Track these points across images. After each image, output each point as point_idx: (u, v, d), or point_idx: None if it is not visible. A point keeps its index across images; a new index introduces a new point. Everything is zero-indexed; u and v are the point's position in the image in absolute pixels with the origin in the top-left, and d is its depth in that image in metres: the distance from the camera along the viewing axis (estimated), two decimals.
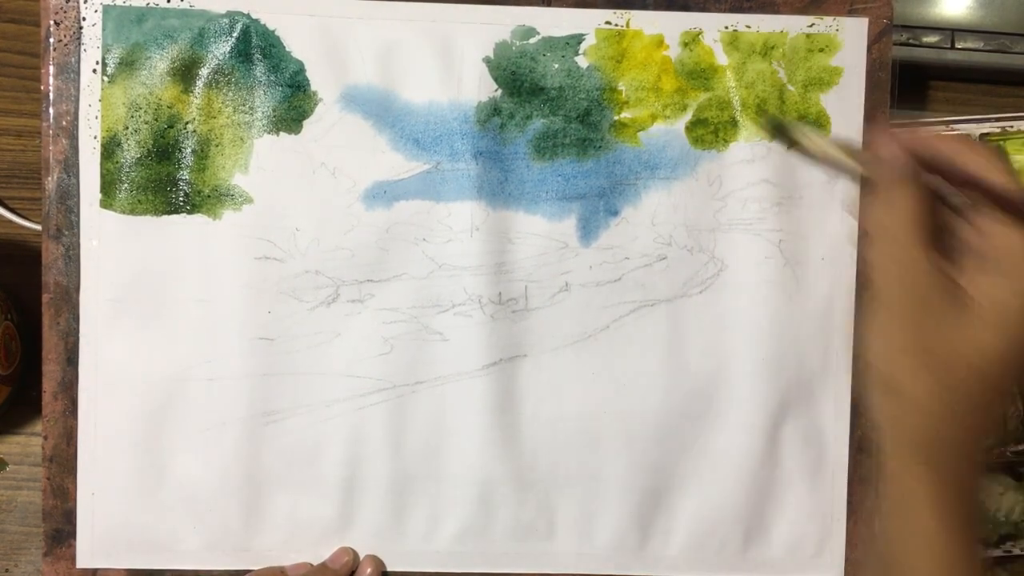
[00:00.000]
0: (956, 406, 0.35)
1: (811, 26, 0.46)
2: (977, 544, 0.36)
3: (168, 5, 0.44)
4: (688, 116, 0.46)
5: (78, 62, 0.44)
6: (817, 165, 0.39)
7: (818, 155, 0.39)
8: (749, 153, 0.46)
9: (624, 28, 0.45)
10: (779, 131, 0.41)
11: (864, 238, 0.37)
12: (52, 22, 0.44)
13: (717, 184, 0.46)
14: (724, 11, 0.45)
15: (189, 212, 0.45)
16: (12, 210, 0.51)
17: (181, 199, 0.45)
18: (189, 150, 0.45)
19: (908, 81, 0.52)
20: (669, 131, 0.46)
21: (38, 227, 0.50)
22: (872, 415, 0.38)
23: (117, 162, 0.44)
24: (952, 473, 0.36)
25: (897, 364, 0.35)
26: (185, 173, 0.45)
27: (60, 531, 0.45)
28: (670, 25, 0.45)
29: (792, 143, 0.40)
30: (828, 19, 0.46)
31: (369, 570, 0.46)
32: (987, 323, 0.34)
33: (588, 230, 0.46)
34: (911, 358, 0.35)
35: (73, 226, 0.45)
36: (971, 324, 0.34)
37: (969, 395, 0.34)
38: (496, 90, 0.45)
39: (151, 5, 0.44)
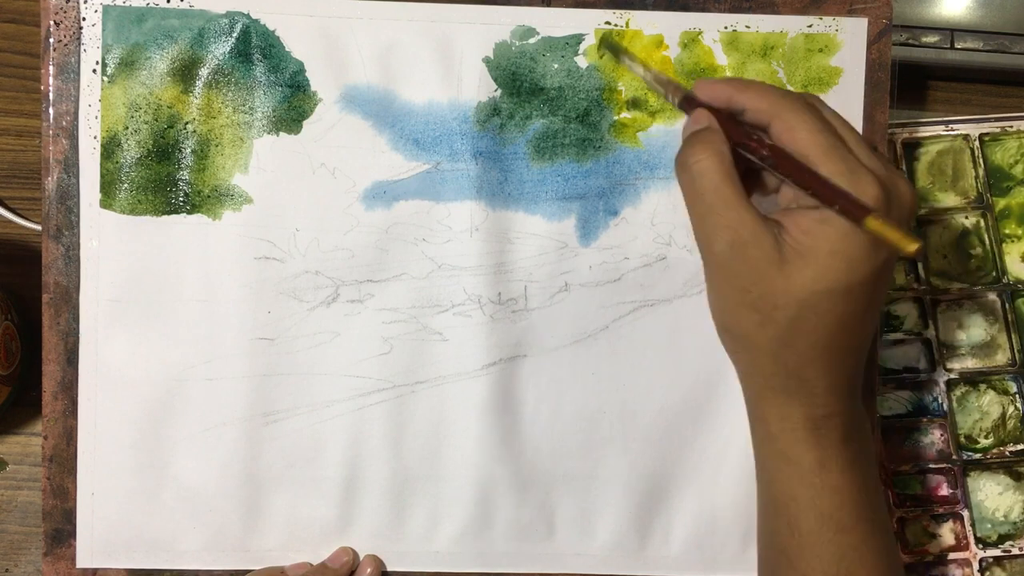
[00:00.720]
0: (803, 345, 0.35)
1: (810, 26, 0.46)
2: (861, 468, 0.37)
3: (168, 5, 0.44)
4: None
5: (78, 62, 0.44)
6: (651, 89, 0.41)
7: (648, 84, 0.41)
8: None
9: (624, 28, 0.45)
10: (611, 52, 0.43)
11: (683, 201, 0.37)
12: (52, 22, 0.44)
13: None
14: (724, 11, 0.45)
15: (189, 212, 0.45)
16: (12, 210, 0.51)
17: (181, 199, 0.45)
18: (189, 150, 0.45)
19: (908, 81, 0.52)
20: (669, 131, 0.46)
21: (38, 227, 0.50)
22: (733, 363, 0.39)
23: (117, 162, 0.44)
24: (819, 407, 0.36)
25: (740, 318, 0.36)
26: (185, 173, 0.45)
27: (60, 531, 0.45)
28: (670, 25, 0.45)
29: (620, 62, 0.42)
30: (827, 19, 0.46)
31: (369, 570, 0.46)
32: (807, 262, 0.34)
33: (588, 230, 0.46)
34: (752, 311, 0.35)
35: (73, 226, 0.45)
36: (792, 263, 0.34)
37: (811, 333, 0.35)
38: (496, 90, 0.45)
39: (151, 5, 0.44)
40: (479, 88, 0.45)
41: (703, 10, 0.45)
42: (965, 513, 0.51)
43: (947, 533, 0.51)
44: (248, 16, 0.44)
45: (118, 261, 0.45)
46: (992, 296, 0.53)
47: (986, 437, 0.52)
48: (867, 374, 0.46)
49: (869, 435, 0.39)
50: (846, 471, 0.36)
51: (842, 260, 0.34)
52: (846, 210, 0.33)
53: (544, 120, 0.45)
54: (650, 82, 0.40)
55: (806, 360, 0.36)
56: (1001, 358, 0.52)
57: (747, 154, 0.36)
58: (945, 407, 0.52)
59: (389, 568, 0.46)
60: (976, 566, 0.51)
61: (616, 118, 0.46)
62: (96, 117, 0.44)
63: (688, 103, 0.38)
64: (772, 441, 0.37)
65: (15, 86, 0.51)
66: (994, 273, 0.53)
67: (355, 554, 0.46)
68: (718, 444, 0.46)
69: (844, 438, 0.37)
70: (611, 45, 0.44)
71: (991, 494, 0.52)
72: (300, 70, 0.45)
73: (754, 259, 0.34)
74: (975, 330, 0.52)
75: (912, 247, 0.31)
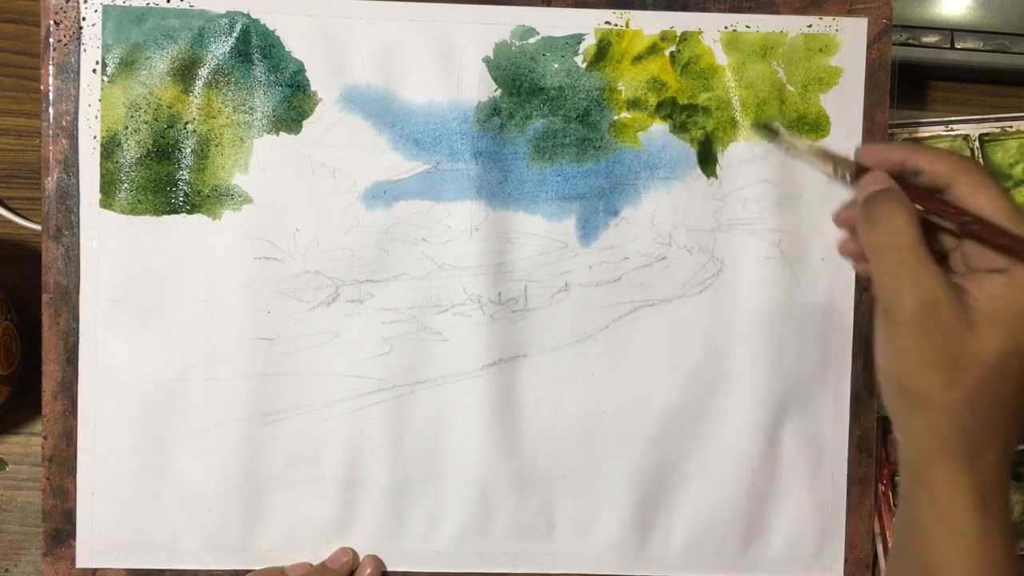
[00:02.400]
0: (985, 409, 0.35)
1: (810, 26, 0.46)
2: (1014, 541, 0.37)
3: (168, 5, 0.44)
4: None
5: (78, 62, 0.44)
6: (811, 165, 0.41)
7: (806, 160, 0.41)
8: (748, 153, 0.46)
9: (624, 28, 0.45)
10: (768, 134, 0.43)
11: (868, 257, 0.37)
12: (52, 22, 0.44)
13: (717, 184, 0.46)
14: (724, 11, 0.45)
15: (189, 212, 0.45)
16: (12, 210, 0.51)
17: (181, 199, 0.45)
18: (189, 150, 0.45)
19: (908, 81, 0.52)
20: (669, 132, 0.46)
21: (38, 227, 0.50)
22: (899, 423, 0.38)
23: (117, 162, 0.44)
24: (987, 475, 0.36)
25: (922, 377, 0.36)
26: (185, 173, 0.45)
27: (60, 531, 0.45)
28: (670, 25, 0.45)
29: (780, 144, 0.42)
30: (827, 19, 0.46)
31: (369, 570, 0.46)
32: (998, 324, 0.34)
33: (588, 230, 0.46)
34: (935, 371, 0.35)
35: (73, 226, 0.45)
36: (983, 325, 0.34)
37: (994, 396, 0.35)
38: (496, 90, 0.45)
39: (151, 5, 0.44)
40: (479, 88, 0.45)
41: (703, 10, 0.45)
42: None
43: None
44: (248, 16, 0.44)
45: (118, 261, 0.45)
46: None
47: None
48: (867, 379, 0.46)
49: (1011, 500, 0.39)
50: (1007, 542, 0.36)
51: None
52: None
53: (544, 120, 0.45)
54: (812, 158, 0.40)
55: (987, 425, 0.35)
56: None
57: (940, 220, 0.36)
58: None
59: (389, 568, 0.46)
60: None
61: (616, 118, 0.46)
62: (96, 117, 0.44)
63: (861, 171, 0.38)
64: (935, 505, 0.37)
65: (15, 86, 0.51)
66: None
67: (355, 554, 0.46)
68: (718, 444, 0.46)
69: (1006, 508, 0.37)
70: (765, 127, 0.45)
71: None
72: (300, 70, 0.45)
73: (945, 319, 0.35)
74: None
75: None
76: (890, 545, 0.40)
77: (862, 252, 0.38)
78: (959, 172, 0.36)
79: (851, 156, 0.39)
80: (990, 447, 0.36)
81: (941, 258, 0.38)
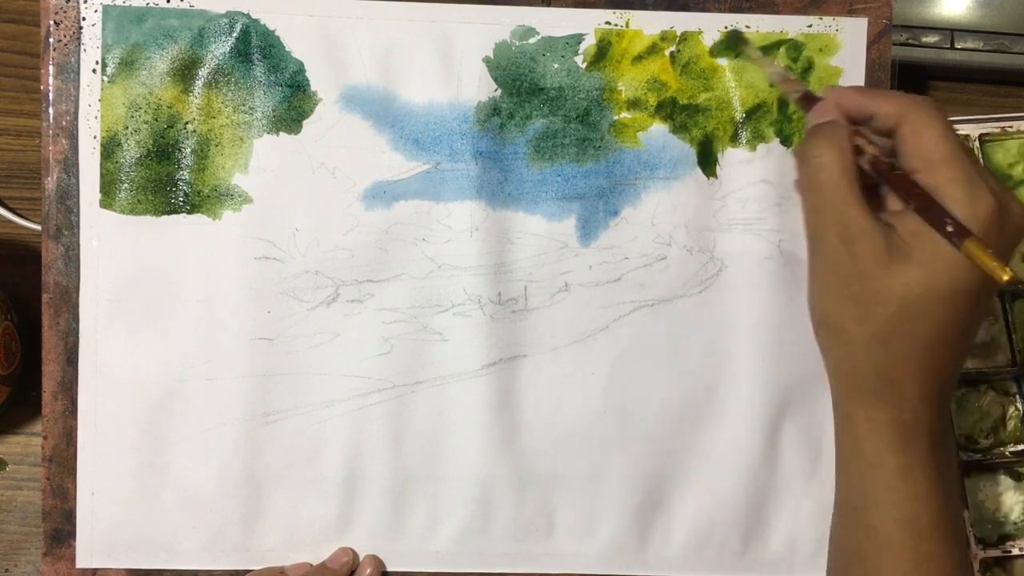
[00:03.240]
0: (899, 345, 0.35)
1: (810, 26, 0.46)
2: (943, 477, 0.37)
3: (168, 5, 0.44)
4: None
5: (78, 62, 0.44)
6: (772, 82, 0.42)
7: (765, 75, 0.42)
8: (748, 153, 0.46)
9: (624, 28, 0.45)
10: (735, 43, 0.44)
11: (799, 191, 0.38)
12: (52, 22, 0.44)
13: (717, 184, 0.46)
14: (724, 11, 0.45)
15: (189, 212, 0.45)
16: (12, 210, 0.51)
17: (181, 199, 0.45)
18: (189, 150, 0.45)
19: (908, 81, 0.52)
20: (669, 132, 0.46)
21: (38, 227, 0.50)
22: (824, 360, 0.39)
23: (117, 162, 0.44)
24: (907, 412, 0.36)
25: (840, 311, 0.36)
26: (185, 173, 0.45)
27: (60, 531, 0.45)
28: (670, 25, 0.45)
29: (741, 55, 0.43)
30: (827, 19, 0.46)
31: (369, 570, 0.46)
32: (912, 262, 0.34)
33: (588, 230, 0.46)
34: (852, 305, 0.36)
35: (73, 226, 0.45)
36: (900, 263, 0.35)
37: (908, 334, 0.35)
38: (496, 90, 0.45)
39: (151, 5, 0.44)
40: (479, 88, 0.45)
41: (703, 10, 0.45)
42: (965, 513, 0.51)
43: None
44: (248, 16, 0.44)
45: (118, 261, 0.45)
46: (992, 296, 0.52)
47: (986, 438, 0.52)
48: None
49: (954, 447, 0.39)
50: (930, 479, 0.36)
51: (947, 265, 0.34)
52: (945, 228, 0.33)
53: (544, 120, 0.45)
54: (773, 77, 0.42)
55: (900, 362, 0.35)
56: (1001, 358, 0.52)
57: (862, 160, 0.37)
58: None
59: (389, 568, 0.46)
60: (976, 567, 0.51)
61: (616, 118, 0.46)
62: (96, 117, 0.44)
63: (809, 100, 0.39)
64: (857, 443, 0.37)
65: (15, 86, 0.51)
66: None
67: (355, 554, 0.46)
68: (718, 444, 0.46)
69: (930, 446, 0.36)
70: (735, 37, 0.45)
71: (991, 495, 0.52)
72: (300, 70, 0.45)
73: (862, 254, 0.35)
74: None
75: (1005, 276, 0.32)
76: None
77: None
78: (909, 111, 0.36)
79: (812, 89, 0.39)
80: (909, 384, 0.36)
81: (882, 195, 0.38)
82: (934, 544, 0.36)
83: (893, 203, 0.38)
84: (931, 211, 0.34)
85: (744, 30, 0.45)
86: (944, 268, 0.34)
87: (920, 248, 0.34)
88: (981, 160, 0.53)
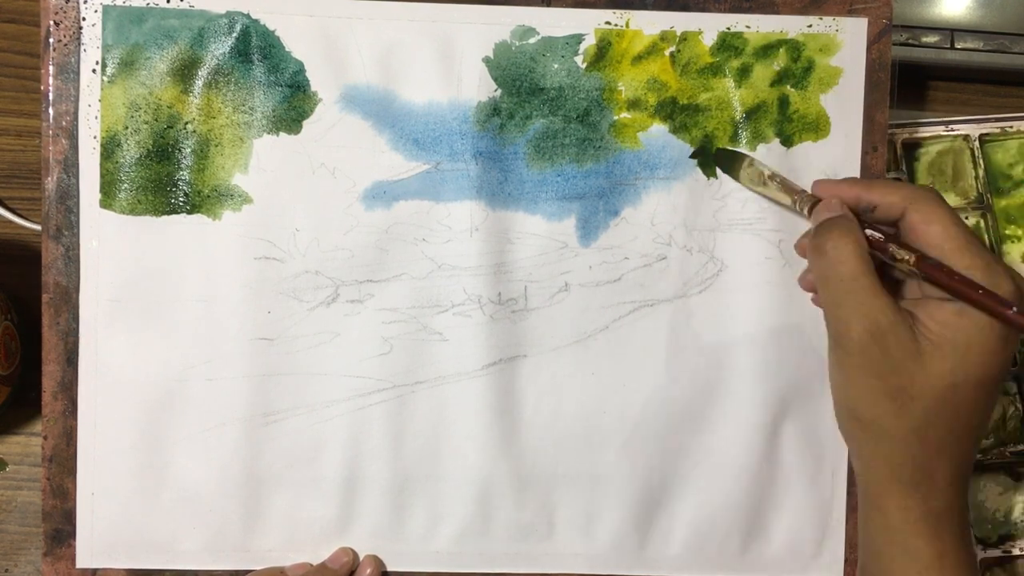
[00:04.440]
0: (934, 437, 0.35)
1: (810, 26, 0.46)
2: (969, 559, 0.37)
3: (168, 5, 0.44)
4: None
5: (78, 62, 0.44)
6: (768, 197, 0.42)
7: (760, 191, 0.42)
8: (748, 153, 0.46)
9: (624, 28, 0.45)
10: (730, 160, 0.43)
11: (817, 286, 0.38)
12: (52, 22, 0.44)
13: (717, 184, 0.46)
14: (724, 11, 0.45)
15: (189, 212, 0.45)
16: (12, 210, 0.51)
17: (181, 199, 0.45)
18: (189, 150, 0.45)
19: (908, 81, 0.52)
20: (669, 132, 0.46)
21: (38, 227, 0.50)
22: (852, 449, 0.39)
23: (117, 162, 0.44)
24: (939, 500, 0.36)
25: (874, 406, 0.36)
26: (185, 173, 0.45)
27: (60, 531, 0.45)
28: (670, 25, 0.45)
29: (735, 174, 0.43)
30: (827, 19, 0.46)
31: (369, 570, 0.46)
32: (946, 353, 0.34)
33: (588, 230, 0.46)
34: (887, 400, 0.35)
35: (73, 226, 0.45)
36: (931, 354, 0.35)
37: (943, 424, 0.35)
38: (496, 90, 0.45)
39: (151, 5, 0.44)
40: (479, 88, 0.45)
41: (703, 10, 0.45)
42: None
43: None
44: (248, 16, 0.44)
45: (118, 261, 0.45)
46: None
47: (986, 438, 0.52)
48: None
49: (970, 526, 0.39)
50: (961, 564, 0.36)
51: (979, 353, 0.34)
52: (989, 307, 0.34)
53: (544, 120, 0.45)
54: (771, 190, 0.42)
55: (936, 452, 0.36)
56: None
57: (885, 258, 0.37)
58: None
59: (389, 568, 0.46)
60: (976, 567, 0.51)
61: (616, 118, 0.46)
62: (96, 117, 0.44)
63: (814, 206, 0.39)
64: (891, 532, 0.37)
65: (15, 86, 0.52)
66: None
67: (355, 554, 0.46)
68: (718, 444, 0.46)
69: (960, 532, 0.37)
70: (721, 156, 0.45)
71: (991, 495, 0.52)
72: (300, 70, 0.45)
73: (893, 348, 0.35)
74: None
75: None
76: (858, 564, 0.41)
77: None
78: (912, 202, 0.36)
79: (809, 190, 0.39)
80: (941, 473, 0.36)
81: (896, 284, 0.39)
82: None
83: (910, 291, 0.38)
84: (987, 301, 0.34)
85: (749, 154, 0.45)
86: (976, 357, 0.34)
87: (951, 339, 0.34)
88: (981, 160, 0.53)
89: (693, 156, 0.45)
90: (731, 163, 0.45)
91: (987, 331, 0.34)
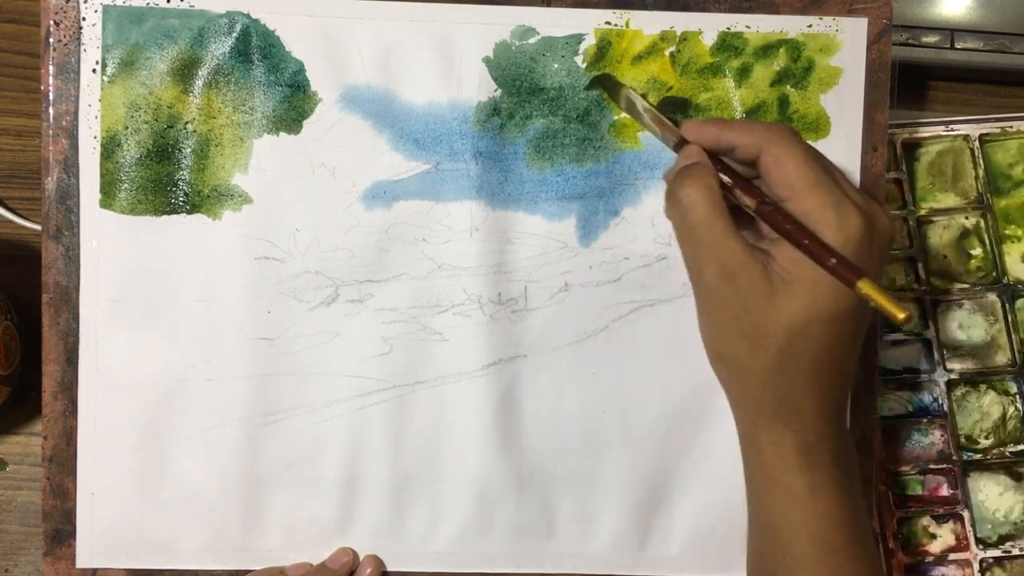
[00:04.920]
0: (794, 372, 0.36)
1: (810, 26, 0.46)
2: (849, 491, 0.38)
3: (168, 5, 0.44)
4: (688, 117, 0.46)
5: (78, 62, 0.44)
6: (646, 127, 0.43)
7: (639, 121, 0.44)
8: None
9: (624, 28, 0.45)
10: (605, 87, 0.45)
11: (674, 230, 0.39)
12: (52, 22, 0.44)
13: None
14: (724, 11, 0.45)
15: (189, 212, 0.45)
16: (12, 210, 0.51)
17: (181, 199, 0.45)
18: (189, 150, 0.45)
19: (908, 81, 0.52)
20: None
21: (38, 227, 0.50)
22: (724, 390, 0.40)
23: (117, 162, 0.44)
24: (810, 433, 0.37)
25: (732, 346, 0.37)
26: (185, 173, 0.45)
27: (60, 531, 0.45)
28: (670, 25, 0.45)
29: (614, 99, 0.45)
30: (827, 19, 0.46)
31: (369, 570, 0.46)
32: (796, 291, 0.35)
33: (588, 230, 0.46)
34: (743, 339, 0.37)
35: (73, 226, 0.45)
36: (782, 292, 0.35)
37: (800, 359, 0.36)
38: (496, 90, 0.45)
39: (151, 5, 0.44)
40: (479, 88, 0.45)
41: (703, 10, 0.45)
42: (965, 514, 0.51)
43: (947, 534, 0.51)
44: (248, 16, 0.44)
45: (118, 261, 0.45)
46: (992, 296, 0.53)
47: (986, 438, 0.52)
48: (867, 379, 0.46)
49: (855, 457, 0.40)
50: (836, 494, 0.37)
51: (829, 289, 0.35)
52: (838, 272, 0.34)
53: (544, 120, 0.45)
54: (647, 122, 0.42)
55: (796, 386, 0.36)
56: (1001, 358, 0.52)
57: (737, 201, 0.37)
58: (945, 407, 0.52)
59: (389, 568, 0.46)
60: (976, 567, 0.51)
61: (616, 118, 0.46)
62: (96, 117, 0.44)
63: (680, 144, 0.40)
64: (764, 467, 0.38)
65: (15, 86, 0.52)
66: (994, 273, 0.53)
67: (355, 554, 0.46)
68: (719, 444, 0.46)
69: (834, 462, 0.37)
70: (606, 81, 0.45)
71: (991, 495, 0.52)
72: (300, 70, 0.45)
73: (744, 289, 0.36)
74: (975, 330, 0.52)
75: (901, 315, 0.32)
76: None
77: None
78: (767, 142, 0.36)
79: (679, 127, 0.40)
80: (808, 407, 0.37)
81: (748, 217, 0.39)
82: (845, 556, 0.37)
83: (768, 230, 0.38)
84: (821, 255, 0.34)
85: (604, 72, 0.45)
86: (826, 293, 0.35)
87: (800, 276, 0.35)
88: (981, 160, 0.53)
89: (589, 87, 0.45)
90: (612, 90, 0.45)
91: None
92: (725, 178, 0.38)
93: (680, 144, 0.40)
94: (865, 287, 0.33)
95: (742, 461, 0.40)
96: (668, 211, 0.38)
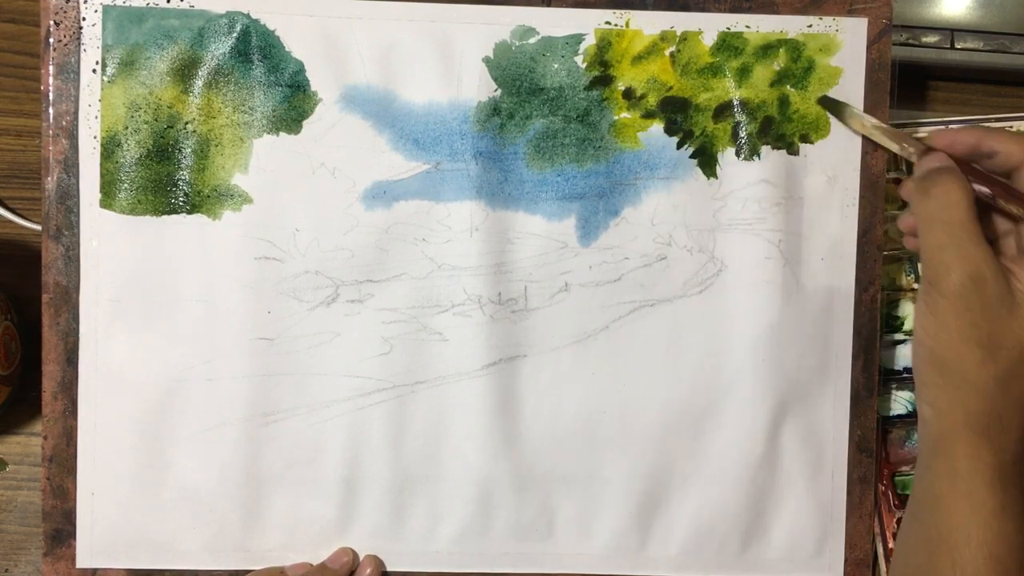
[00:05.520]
0: (1016, 389, 0.36)
1: (810, 26, 0.46)
2: None
3: (168, 5, 0.44)
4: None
5: (78, 62, 0.44)
6: (879, 143, 0.43)
7: (870, 136, 0.44)
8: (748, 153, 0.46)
9: (624, 28, 0.45)
10: (831, 109, 0.45)
11: (919, 227, 0.38)
12: (52, 22, 0.44)
13: (717, 184, 0.46)
14: (724, 11, 0.45)
15: (189, 212, 0.45)
16: (12, 210, 0.51)
17: (181, 199, 0.45)
18: (189, 150, 0.45)
19: (908, 81, 0.52)
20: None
21: (38, 227, 0.50)
22: (926, 395, 0.39)
23: (117, 162, 0.44)
24: (1010, 452, 0.37)
25: (962, 352, 0.36)
26: (185, 173, 0.45)
27: (60, 531, 0.45)
28: (670, 25, 0.45)
29: (843, 121, 0.45)
30: (827, 19, 0.46)
31: (369, 570, 0.46)
32: None
33: (588, 230, 0.46)
34: (977, 347, 0.36)
35: (73, 226, 0.45)
36: None
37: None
38: (496, 90, 0.45)
39: (151, 5, 0.44)
40: (479, 88, 0.45)
41: (703, 10, 0.45)
42: None
43: None
44: (248, 16, 0.44)
45: (118, 261, 0.45)
46: None
47: None
48: (867, 379, 0.46)
49: None
50: (1020, 518, 0.37)
51: None
52: None
53: (544, 120, 0.45)
54: (881, 138, 0.42)
55: (1015, 404, 0.36)
56: None
57: (1003, 204, 0.37)
58: None
59: (389, 568, 0.46)
60: None
61: (616, 118, 0.46)
62: (96, 117, 0.44)
63: (927, 151, 0.40)
64: (955, 479, 0.37)
65: (15, 86, 0.51)
66: None
67: (355, 554, 0.46)
68: (718, 444, 0.46)
69: (1022, 482, 0.37)
70: (828, 102, 0.45)
71: None
72: (300, 70, 0.45)
73: (990, 297, 0.35)
74: None
75: None
76: (906, 509, 0.41)
77: (915, 226, 0.38)
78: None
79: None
80: (1016, 425, 0.36)
81: (992, 240, 0.39)
82: None
83: (1007, 248, 0.38)
84: None
85: (846, 103, 0.45)
86: None
87: None
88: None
89: (820, 104, 0.45)
90: (836, 111, 0.45)
91: None
92: (983, 188, 0.37)
93: (927, 151, 0.39)
94: None
95: (920, 474, 0.39)
96: (917, 205, 0.38)
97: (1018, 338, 0.35)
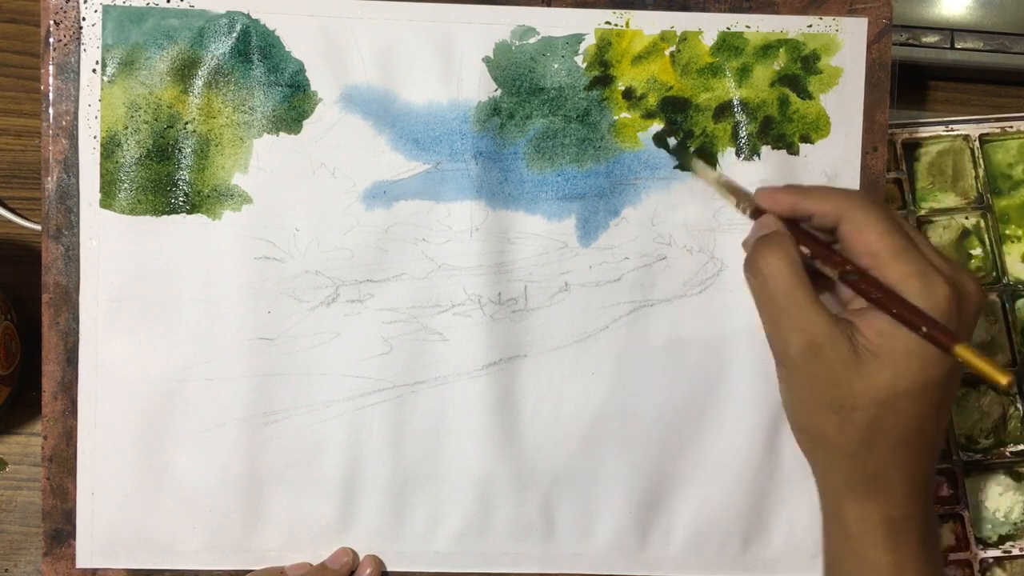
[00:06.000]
0: (883, 446, 0.35)
1: (810, 26, 0.46)
2: (932, 570, 0.37)
3: (168, 5, 0.44)
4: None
5: (78, 62, 0.44)
6: (719, 195, 0.43)
7: (713, 188, 0.44)
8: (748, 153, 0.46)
9: (624, 28, 0.45)
10: (678, 156, 0.45)
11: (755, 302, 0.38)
12: (52, 22, 0.44)
13: None
14: (724, 11, 0.45)
15: (189, 212, 0.45)
16: (12, 210, 0.51)
17: (181, 199, 0.45)
18: (189, 150, 0.45)
19: (908, 81, 0.52)
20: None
21: (38, 227, 0.50)
22: (809, 460, 0.39)
23: (117, 162, 0.44)
24: (897, 509, 0.36)
25: (819, 420, 0.36)
26: (185, 173, 0.45)
27: (60, 531, 0.45)
28: (670, 25, 0.45)
29: (689, 170, 0.45)
30: (827, 19, 0.46)
31: (369, 570, 0.46)
32: (884, 363, 0.34)
33: (588, 230, 0.46)
34: (830, 413, 0.35)
35: (73, 226, 0.45)
36: (870, 364, 0.34)
37: (891, 433, 0.35)
38: (496, 90, 0.45)
39: (151, 5, 0.44)
40: (479, 88, 0.45)
41: (703, 10, 0.45)
42: (965, 514, 0.51)
43: (947, 534, 0.51)
44: (248, 16, 0.44)
45: (118, 261, 0.45)
46: (992, 296, 0.53)
47: (986, 438, 0.52)
48: None
49: (939, 535, 0.39)
50: (919, 573, 0.36)
51: (918, 361, 0.34)
52: (933, 338, 0.33)
53: (544, 120, 0.45)
54: (719, 189, 0.42)
55: (885, 461, 0.35)
56: (1001, 358, 0.52)
57: (822, 267, 0.36)
58: None
59: (389, 568, 0.46)
60: (976, 567, 0.51)
61: (616, 118, 0.46)
62: (96, 117, 0.44)
63: (757, 213, 0.39)
64: (848, 540, 0.37)
65: (15, 86, 0.52)
66: (994, 274, 0.53)
67: (355, 554, 0.46)
68: (718, 444, 0.46)
69: (920, 540, 0.37)
70: (678, 150, 0.45)
71: (991, 495, 0.52)
72: (300, 70, 0.45)
73: (831, 361, 0.34)
74: (975, 330, 0.52)
75: (1004, 380, 0.32)
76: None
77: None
78: (846, 210, 0.35)
79: (753, 193, 0.39)
80: (896, 482, 0.36)
81: (843, 293, 0.38)
82: None
83: (851, 299, 0.37)
84: (914, 320, 0.33)
85: (689, 152, 0.45)
86: (914, 365, 0.34)
87: (888, 348, 0.34)
88: (981, 161, 0.53)
89: (671, 152, 0.45)
90: (683, 158, 0.45)
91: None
92: (805, 249, 0.36)
93: (756, 213, 0.39)
94: (963, 352, 0.32)
95: (823, 533, 0.39)
96: (748, 281, 0.37)
97: (868, 396, 0.34)
